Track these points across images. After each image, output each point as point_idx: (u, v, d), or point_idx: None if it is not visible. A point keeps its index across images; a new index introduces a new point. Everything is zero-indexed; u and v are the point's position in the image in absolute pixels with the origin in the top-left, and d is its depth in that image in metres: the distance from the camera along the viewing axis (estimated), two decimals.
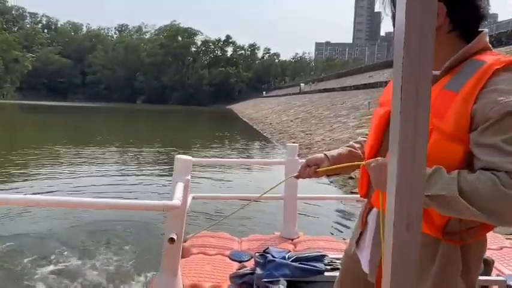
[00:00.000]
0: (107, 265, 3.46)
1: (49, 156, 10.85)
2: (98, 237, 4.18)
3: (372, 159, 1.05)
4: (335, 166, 1.29)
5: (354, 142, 1.43)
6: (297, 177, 1.41)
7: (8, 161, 9.58)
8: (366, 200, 1.24)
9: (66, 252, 3.73)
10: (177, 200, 1.87)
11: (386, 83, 24.83)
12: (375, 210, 1.17)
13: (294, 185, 3.25)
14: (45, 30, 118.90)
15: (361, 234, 1.24)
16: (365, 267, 1.20)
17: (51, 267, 3.44)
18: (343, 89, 34.07)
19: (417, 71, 0.47)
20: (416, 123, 0.47)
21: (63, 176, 8.21)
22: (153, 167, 9.95)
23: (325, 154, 1.36)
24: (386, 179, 1.00)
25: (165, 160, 10.86)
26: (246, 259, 2.74)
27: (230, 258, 2.76)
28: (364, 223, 1.22)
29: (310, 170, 1.34)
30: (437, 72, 1.00)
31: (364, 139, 1.39)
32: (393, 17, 1.07)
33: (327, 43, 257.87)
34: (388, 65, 40.91)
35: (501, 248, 2.79)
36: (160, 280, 2.25)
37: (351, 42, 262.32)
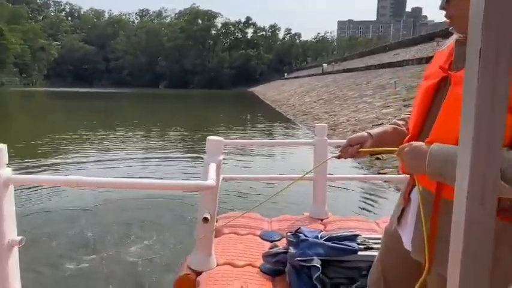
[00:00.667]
0: (139, 245, 3.55)
1: (78, 139, 11.24)
2: (130, 217, 4.30)
3: (406, 144, 1.03)
4: (380, 149, 1.25)
5: (398, 119, 1.38)
6: (339, 157, 1.35)
7: (41, 145, 9.98)
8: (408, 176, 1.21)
9: (100, 232, 3.87)
10: (211, 180, 1.89)
11: (413, 61, 23.88)
12: (415, 188, 1.13)
13: (323, 166, 3.24)
14: (69, 18, 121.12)
15: (402, 211, 1.21)
16: (407, 245, 1.18)
17: (86, 248, 3.59)
18: (368, 68, 33.17)
19: (496, 36, 0.44)
20: (495, 91, 0.44)
21: (92, 158, 8.51)
22: (178, 149, 10.10)
23: (368, 132, 1.30)
24: (419, 164, 0.97)
25: (190, 143, 11.04)
26: (277, 239, 2.77)
27: (261, 238, 2.80)
28: (406, 200, 1.19)
29: (353, 149, 1.28)
30: None
31: (408, 115, 1.34)
32: None
33: (350, 21, 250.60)
34: (415, 42, 39.43)
35: None
36: (195, 258, 2.31)
37: (375, 19, 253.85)
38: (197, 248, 2.31)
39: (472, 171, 0.46)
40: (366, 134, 1.30)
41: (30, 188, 5.06)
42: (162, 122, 17.80)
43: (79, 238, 3.68)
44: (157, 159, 8.59)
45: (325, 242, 2.19)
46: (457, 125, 0.91)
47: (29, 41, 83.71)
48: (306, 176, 3.54)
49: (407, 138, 1.14)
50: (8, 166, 1.84)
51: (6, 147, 1.83)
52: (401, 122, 1.33)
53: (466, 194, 0.47)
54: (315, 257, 2.08)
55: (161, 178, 5.64)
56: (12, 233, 1.86)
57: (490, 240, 0.48)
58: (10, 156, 1.86)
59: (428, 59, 22.37)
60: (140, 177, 5.77)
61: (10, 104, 30.38)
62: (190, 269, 2.28)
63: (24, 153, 8.55)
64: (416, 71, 19.14)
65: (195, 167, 7.48)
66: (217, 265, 2.33)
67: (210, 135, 2.54)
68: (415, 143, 0.99)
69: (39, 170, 7.08)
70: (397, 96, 13.17)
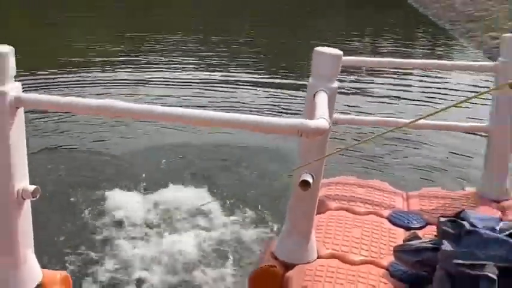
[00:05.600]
0: (197, 222, 3.78)
1: (109, 51, 12.01)
2: (188, 174, 4.58)
3: None
4: None
5: None
6: None
7: (54, 56, 10.79)
8: None
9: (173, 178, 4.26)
10: (322, 120, 1.82)
11: None
12: None
13: (509, 110, 3.04)
14: None
15: None
16: None
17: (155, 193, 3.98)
18: None
19: None
20: None
21: (127, 75, 9.20)
22: (256, 68, 10.23)
23: None
24: None
25: (284, 66, 11.08)
26: (419, 225, 2.77)
27: (391, 222, 2.81)
28: None
29: None
30: None
31: None
32: None
33: None
34: None
35: None
36: (285, 245, 2.37)
37: None
38: (289, 228, 2.36)
39: None
40: None
41: (44, 113, 5.58)
42: (231, 30, 18.01)
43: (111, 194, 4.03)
44: (222, 83, 8.98)
45: (508, 239, 2.09)
46: None
47: None
48: (476, 125, 3.39)
49: None
50: (17, 81, 1.96)
51: (13, 50, 1.93)
52: None
53: None
54: (489, 263, 2.00)
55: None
56: (23, 180, 2.02)
57: None
58: (18, 66, 1.97)
59: None
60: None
61: None
62: (277, 259, 2.35)
63: (36, 65, 9.18)
64: None
65: (285, 98, 7.67)
66: (318, 257, 2.38)
67: (317, 45, 2.45)
68: None
69: (55, 87, 7.75)
70: None
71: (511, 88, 1.51)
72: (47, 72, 8.84)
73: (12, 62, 1.92)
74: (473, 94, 2.49)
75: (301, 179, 2.07)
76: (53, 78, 8.49)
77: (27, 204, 2.06)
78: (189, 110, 1.86)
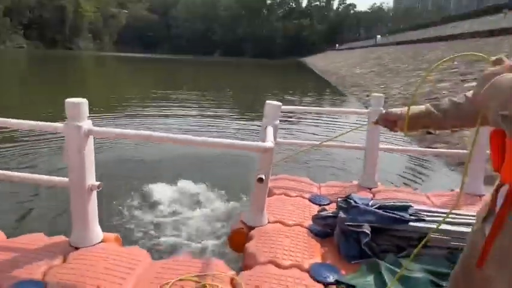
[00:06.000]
0: (198, 203, 3.64)
1: (146, 99, 11.85)
2: (187, 170, 4.48)
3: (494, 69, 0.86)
4: (416, 118, 1.25)
5: (448, 99, 1.23)
6: (375, 123, 1.40)
7: (113, 102, 10.60)
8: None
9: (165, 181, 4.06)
10: (270, 143, 1.87)
11: (473, 34, 21.52)
12: (504, 187, 0.95)
13: (375, 136, 3.11)
14: None
15: (490, 210, 1.02)
16: None
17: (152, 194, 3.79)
18: (424, 40, 30.64)
19: None
20: None
21: (155, 113, 9.03)
22: (228, 115, 10.24)
23: (401, 111, 1.30)
24: (490, 103, 0.81)
25: (243, 107, 11.16)
26: (326, 203, 2.75)
27: (310, 201, 2.79)
28: (494, 199, 1.01)
29: (389, 122, 1.32)
30: None
31: (455, 99, 1.19)
32: None
33: None
34: (478, 14, 35.44)
35: None
36: (250, 215, 2.36)
37: None
38: (252, 205, 2.34)
39: None
40: (401, 112, 1.29)
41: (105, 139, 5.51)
42: (216, 86, 18.04)
43: (149, 185, 3.92)
44: (211, 118, 8.89)
45: (376, 210, 2.12)
46: None
47: (101, 9, 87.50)
48: (358, 145, 3.47)
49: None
50: (88, 119, 1.93)
51: (87, 101, 1.91)
52: (449, 103, 1.19)
53: None
54: (365, 224, 2.03)
55: (220, 137, 5.94)
56: (91, 178, 1.99)
57: None
58: (90, 110, 1.94)
59: (492, 32, 20.07)
60: (201, 136, 6.03)
61: (84, 67, 32.28)
62: (244, 224, 2.33)
63: (101, 108, 9.15)
64: (477, 44, 17.36)
65: (242, 131, 7.64)
66: (268, 222, 2.36)
67: (266, 99, 2.49)
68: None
69: (112, 122, 7.58)
70: (455, 70, 12.09)
71: (375, 124, 1.47)
72: (109, 113, 8.69)
73: (86, 107, 1.90)
74: (356, 127, 2.55)
75: (258, 177, 2.08)
76: (111, 116, 8.33)
77: (94, 194, 2.02)
78: (191, 136, 1.87)
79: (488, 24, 24.46)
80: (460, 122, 1.18)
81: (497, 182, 0.98)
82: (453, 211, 2.16)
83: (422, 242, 1.16)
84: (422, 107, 1.24)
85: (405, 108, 1.27)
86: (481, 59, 0.90)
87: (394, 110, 1.35)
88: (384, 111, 1.42)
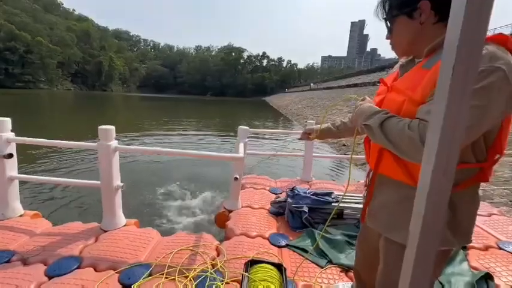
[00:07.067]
0: (194, 195, 3.53)
1: (156, 125, 11.38)
2: (188, 175, 4.32)
3: (362, 102, 0.91)
4: (320, 131, 1.32)
5: (343, 120, 1.30)
6: (299, 139, 1.47)
7: (134, 127, 10.13)
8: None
9: (172, 182, 3.93)
10: (241, 154, 1.86)
11: (370, 83, 22.68)
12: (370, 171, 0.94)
13: (310, 147, 3.16)
14: (152, 50, 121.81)
15: (367, 187, 1.01)
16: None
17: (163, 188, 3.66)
18: (340, 87, 32.15)
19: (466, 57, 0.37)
20: (464, 90, 0.38)
21: (163, 135, 8.64)
22: (216, 134, 10.12)
23: (313, 128, 1.39)
24: (358, 119, 0.84)
25: (225, 130, 11.04)
26: (280, 192, 2.74)
27: (270, 192, 2.77)
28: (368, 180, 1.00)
29: (306, 135, 1.40)
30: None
31: (344, 120, 1.28)
32: (385, 21, 0.85)
33: (329, 56, 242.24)
34: (372, 71, 37.85)
35: (490, 215, 2.28)
36: (229, 202, 2.31)
37: (346, 55, 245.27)
38: (230, 195, 2.30)
39: (439, 150, 0.40)
40: (315, 127, 1.37)
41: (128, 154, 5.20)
42: (206, 116, 17.76)
43: (161, 184, 3.77)
44: (201, 137, 8.67)
45: (311, 196, 2.15)
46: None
47: (128, 64, 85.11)
48: (298, 154, 3.51)
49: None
50: (115, 139, 1.85)
51: (114, 128, 1.83)
52: (340, 122, 1.28)
53: (431, 167, 0.40)
54: (304, 205, 2.05)
55: (208, 150, 5.78)
56: (117, 180, 1.88)
57: (445, 206, 0.41)
58: (117, 131, 1.86)
59: (374, 83, 21.58)
60: (196, 149, 5.88)
61: (115, 103, 30.84)
62: (225, 208, 2.28)
63: (125, 131, 8.71)
64: (372, 89, 18.45)
65: (226, 143, 7.51)
66: (241, 207, 2.33)
67: (239, 125, 2.50)
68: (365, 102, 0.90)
69: (134, 141, 7.22)
70: (346, 107, 12.78)
71: (300, 139, 1.52)
72: (132, 133, 8.26)
73: (113, 131, 1.82)
74: (292, 140, 2.58)
75: (234, 176, 2.07)
76: (132, 137, 7.91)
77: (119, 191, 1.91)
78: (187, 150, 1.83)
79: (378, 77, 26.19)
80: (346, 133, 1.25)
81: (367, 169, 1.00)
82: (352, 194, 2.23)
83: (332, 215, 1.23)
84: (326, 125, 1.32)
85: (317, 126, 1.36)
86: (357, 98, 0.96)
87: (309, 127, 1.42)
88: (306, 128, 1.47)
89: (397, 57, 0.93)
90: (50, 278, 1.39)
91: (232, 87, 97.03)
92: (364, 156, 1.05)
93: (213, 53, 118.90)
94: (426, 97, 0.72)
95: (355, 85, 26.99)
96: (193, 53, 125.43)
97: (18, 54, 52.29)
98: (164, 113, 18.70)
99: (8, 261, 1.49)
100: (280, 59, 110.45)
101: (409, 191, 0.80)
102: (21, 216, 1.98)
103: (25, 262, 1.50)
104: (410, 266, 0.40)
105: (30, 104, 18.99)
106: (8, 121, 1.86)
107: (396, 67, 1.00)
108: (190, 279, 1.40)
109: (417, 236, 0.40)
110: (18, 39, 51.94)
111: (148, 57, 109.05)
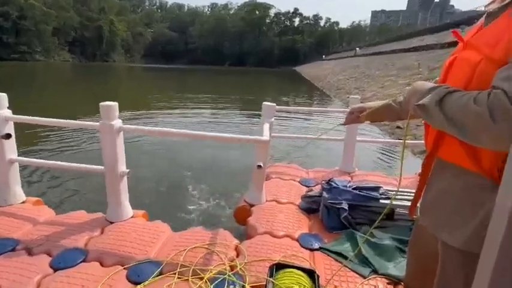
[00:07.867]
0: (209, 185, 3.62)
1: (164, 99, 11.78)
2: (204, 161, 4.44)
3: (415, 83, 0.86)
4: (374, 109, 1.12)
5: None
6: (344, 124, 1.26)
7: (139, 103, 10.55)
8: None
9: (182, 170, 4.07)
10: (266, 137, 1.86)
11: (436, 45, 21.04)
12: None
13: (354, 129, 3.08)
14: (159, 10, 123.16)
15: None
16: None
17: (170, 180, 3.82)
18: (394, 51, 30.12)
19: None
20: None
21: (175, 114, 8.91)
22: (237, 112, 10.18)
23: (367, 105, 1.19)
24: (411, 100, 0.79)
25: (246, 108, 11.07)
26: (313, 185, 2.75)
27: (300, 184, 2.79)
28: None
29: (354, 116, 1.19)
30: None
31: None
32: None
33: (382, 11, 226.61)
34: (440, 29, 34.73)
35: None
36: (251, 195, 2.36)
37: (405, 9, 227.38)
38: (252, 187, 2.34)
39: None
40: (366, 105, 1.18)
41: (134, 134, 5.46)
42: (224, 91, 17.88)
43: (169, 172, 3.90)
44: (219, 117, 8.78)
45: (352, 190, 2.12)
46: (460, 79, 0.73)
47: (131, 29, 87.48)
48: (338, 138, 3.44)
49: None
50: (119, 118, 1.93)
51: (117, 104, 1.91)
52: (399, 99, 1.15)
53: None
54: (343, 201, 2.03)
55: (226, 130, 6.04)
56: (122, 166, 1.99)
57: None
58: (121, 109, 1.94)
59: (451, 44, 19.77)
60: (211, 131, 5.99)
61: (120, 74, 32.19)
62: (246, 202, 2.34)
63: (129, 108, 9.07)
64: (438, 54, 17.11)
65: (246, 124, 7.53)
66: (266, 201, 2.36)
67: (263, 101, 2.48)
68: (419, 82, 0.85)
69: (139, 120, 7.52)
70: (420, 75, 11.96)
71: (344, 124, 1.32)
72: (137, 112, 8.61)
73: (116, 109, 1.90)
74: (333, 126, 2.53)
75: (257, 164, 2.09)
76: (138, 115, 8.24)
77: (125, 179, 2.02)
78: (203, 132, 1.87)
79: (449, 38, 24.03)
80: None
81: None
82: (406, 189, 2.15)
83: (382, 215, 1.15)
84: (383, 102, 1.20)
85: (368, 104, 1.22)
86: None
87: (358, 105, 1.27)
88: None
89: (478, 8, 0.83)
90: (55, 270, 1.54)
91: (254, 55, 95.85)
92: (423, 142, 0.99)
93: (232, 12, 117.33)
94: (510, 56, 0.65)
95: (415, 49, 25.11)
96: (208, 12, 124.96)
97: (11, 20, 56.07)
98: (173, 86, 19.21)
99: (12, 250, 1.68)
100: (316, 17, 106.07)
101: (474, 179, 0.76)
102: (23, 202, 2.20)
103: (29, 252, 1.68)
104: (487, 277, 0.38)
105: (25, 78, 20.45)
106: (4, 96, 2.02)
107: (481, 20, 0.91)
108: (205, 281, 1.48)
109: (499, 240, 0.37)
110: (11, 2, 55.45)
111: (155, 19, 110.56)
